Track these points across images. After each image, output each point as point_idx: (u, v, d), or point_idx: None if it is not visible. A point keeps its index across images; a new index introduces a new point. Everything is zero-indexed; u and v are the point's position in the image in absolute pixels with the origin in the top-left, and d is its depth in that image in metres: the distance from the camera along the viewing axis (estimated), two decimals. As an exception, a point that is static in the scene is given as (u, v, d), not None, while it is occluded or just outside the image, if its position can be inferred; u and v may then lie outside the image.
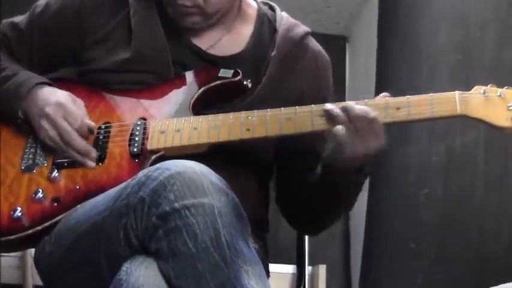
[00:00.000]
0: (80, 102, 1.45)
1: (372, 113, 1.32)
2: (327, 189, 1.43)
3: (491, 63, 2.04)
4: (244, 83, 1.47)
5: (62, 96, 1.44)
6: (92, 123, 1.43)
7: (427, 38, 2.50)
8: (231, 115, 1.39)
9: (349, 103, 1.34)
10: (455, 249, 2.18)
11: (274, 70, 1.50)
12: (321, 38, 1.69)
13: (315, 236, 1.63)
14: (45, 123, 1.42)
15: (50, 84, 1.48)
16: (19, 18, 1.58)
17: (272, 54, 1.51)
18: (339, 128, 1.32)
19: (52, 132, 1.41)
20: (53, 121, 1.41)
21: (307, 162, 1.48)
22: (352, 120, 1.31)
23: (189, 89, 1.46)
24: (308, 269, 2.62)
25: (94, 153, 1.41)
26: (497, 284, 1.63)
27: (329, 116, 1.34)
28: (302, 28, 1.58)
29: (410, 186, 2.43)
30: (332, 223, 1.56)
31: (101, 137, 1.44)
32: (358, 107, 1.32)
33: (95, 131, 1.44)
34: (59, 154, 1.43)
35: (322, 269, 2.75)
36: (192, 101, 1.44)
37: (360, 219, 3.05)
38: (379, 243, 2.60)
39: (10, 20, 1.58)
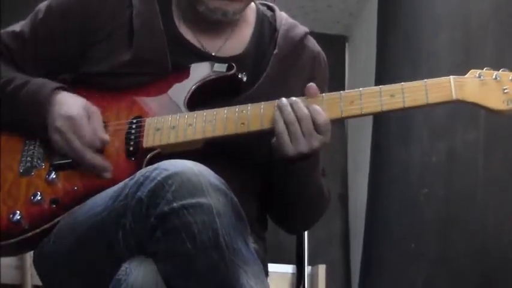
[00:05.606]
0: (95, 112, 1.42)
1: (320, 118, 1.33)
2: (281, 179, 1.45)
3: (492, 63, 2.03)
4: (239, 76, 1.46)
5: (74, 108, 1.41)
6: (106, 137, 1.40)
7: (427, 37, 2.50)
8: (226, 110, 1.39)
9: (298, 101, 1.35)
10: (457, 250, 2.17)
11: (274, 68, 1.50)
12: (321, 37, 1.71)
13: (297, 233, 1.59)
14: (56, 137, 1.40)
15: (65, 89, 1.45)
16: (18, 27, 1.54)
17: (274, 52, 1.51)
18: (280, 128, 1.34)
19: (64, 146, 1.40)
20: (64, 135, 1.39)
21: None
22: (299, 120, 1.33)
23: (184, 85, 1.46)
24: (308, 269, 2.62)
25: (107, 166, 1.39)
26: (500, 286, 1.62)
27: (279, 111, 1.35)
28: (301, 29, 1.58)
29: (410, 186, 2.43)
30: (310, 217, 1.55)
31: None
32: (306, 109, 1.33)
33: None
34: (56, 156, 1.42)
35: (321, 269, 2.76)
36: (186, 97, 1.44)
37: (360, 219, 3.05)
38: (379, 244, 2.60)
39: (10, 29, 1.54)
